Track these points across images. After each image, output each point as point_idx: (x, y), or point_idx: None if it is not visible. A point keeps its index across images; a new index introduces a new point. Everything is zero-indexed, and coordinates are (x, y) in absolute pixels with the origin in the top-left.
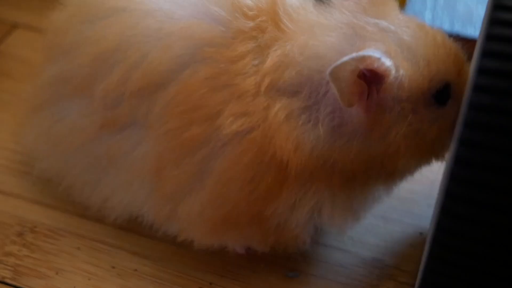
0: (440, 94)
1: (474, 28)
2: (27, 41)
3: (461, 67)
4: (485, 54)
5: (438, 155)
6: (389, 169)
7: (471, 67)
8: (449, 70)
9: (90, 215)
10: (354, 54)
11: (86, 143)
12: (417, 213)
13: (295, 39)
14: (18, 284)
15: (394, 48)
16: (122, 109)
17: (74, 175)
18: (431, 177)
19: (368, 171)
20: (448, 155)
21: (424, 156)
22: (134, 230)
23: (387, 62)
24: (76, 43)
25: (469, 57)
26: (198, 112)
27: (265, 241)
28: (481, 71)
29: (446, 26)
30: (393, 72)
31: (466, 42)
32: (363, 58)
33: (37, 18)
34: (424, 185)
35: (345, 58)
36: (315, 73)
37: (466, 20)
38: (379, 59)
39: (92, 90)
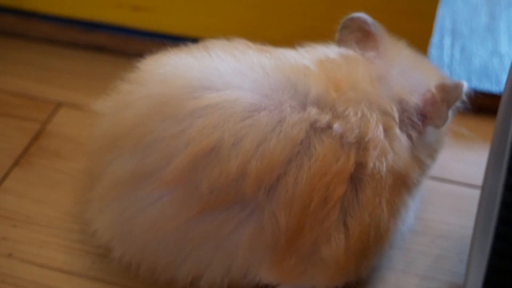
0: None
1: (490, 82)
2: (71, 119)
3: None
4: None
5: None
6: None
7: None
8: None
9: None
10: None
11: (177, 227)
12: (450, 269)
13: (391, 89)
14: None
15: None
16: (232, 191)
17: (158, 257)
18: (461, 232)
19: None
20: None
21: None
22: None
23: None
24: (162, 140)
25: (486, 110)
26: (339, 177)
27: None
28: None
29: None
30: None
31: (483, 96)
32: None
33: (80, 96)
34: (455, 241)
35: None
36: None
37: (482, 75)
38: None
39: (189, 181)
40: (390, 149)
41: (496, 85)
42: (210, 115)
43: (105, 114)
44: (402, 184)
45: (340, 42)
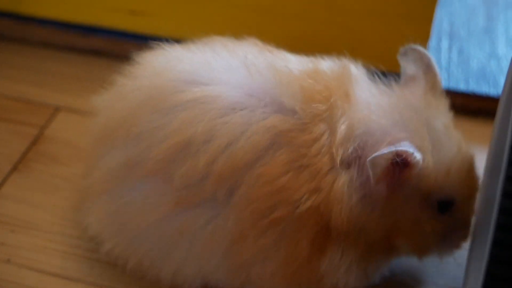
0: (443, 204)
1: (488, 85)
2: (69, 124)
3: (473, 195)
4: None
5: (430, 251)
6: (389, 243)
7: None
8: (461, 192)
9: None
10: (393, 148)
11: (158, 220)
12: (448, 273)
13: (357, 112)
14: None
15: (427, 145)
16: (200, 188)
17: (143, 253)
18: None
19: (386, 240)
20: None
21: (419, 245)
22: None
23: (418, 157)
24: (148, 131)
25: (484, 113)
26: (282, 194)
27: None
28: None
29: (462, 85)
30: (419, 165)
31: (481, 99)
32: (399, 152)
33: (78, 100)
34: None
35: (385, 151)
36: (360, 148)
37: (480, 77)
38: (412, 154)
39: (167, 172)
40: (325, 187)
41: (494, 88)
42: (191, 109)
43: (101, 108)
44: (328, 234)
45: (402, 69)
